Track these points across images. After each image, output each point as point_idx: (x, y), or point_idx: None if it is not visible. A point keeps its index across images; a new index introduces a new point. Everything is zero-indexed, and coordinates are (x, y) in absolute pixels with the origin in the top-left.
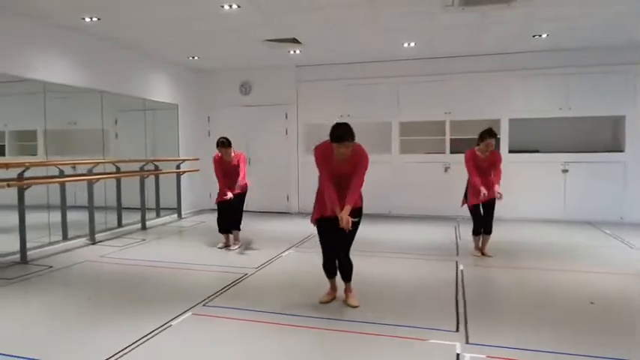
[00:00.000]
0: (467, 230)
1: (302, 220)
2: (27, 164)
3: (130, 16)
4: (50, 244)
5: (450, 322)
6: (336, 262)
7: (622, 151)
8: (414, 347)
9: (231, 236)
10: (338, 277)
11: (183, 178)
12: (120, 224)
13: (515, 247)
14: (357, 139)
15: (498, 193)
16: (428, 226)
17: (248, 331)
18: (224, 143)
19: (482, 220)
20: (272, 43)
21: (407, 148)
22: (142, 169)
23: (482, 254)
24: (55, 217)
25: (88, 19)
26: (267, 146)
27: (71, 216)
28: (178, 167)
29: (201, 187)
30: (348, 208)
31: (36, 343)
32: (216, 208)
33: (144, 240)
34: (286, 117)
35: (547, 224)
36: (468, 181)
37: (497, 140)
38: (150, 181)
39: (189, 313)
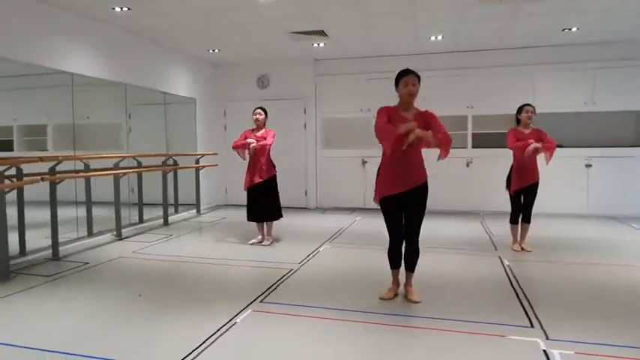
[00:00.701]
0: (494, 225)
1: (322, 215)
2: (61, 158)
3: (161, 6)
4: (77, 239)
5: (520, 318)
6: (402, 249)
7: None
8: (495, 344)
9: (264, 229)
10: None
11: (200, 173)
12: (141, 220)
13: (550, 242)
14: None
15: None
16: (455, 221)
17: (316, 327)
18: (262, 108)
19: (522, 207)
20: (298, 35)
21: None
22: (164, 163)
23: (522, 249)
24: (71, 212)
25: (118, 9)
26: (285, 141)
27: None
28: (197, 162)
29: (217, 183)
30: (434, 140)
31: (107, 343)
32: (235, 204)
33: (171, 235)
34: (305, 111)
35: (572, 219)
36: (512, 167)
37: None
38: (168, 177)
39: (249, 310)
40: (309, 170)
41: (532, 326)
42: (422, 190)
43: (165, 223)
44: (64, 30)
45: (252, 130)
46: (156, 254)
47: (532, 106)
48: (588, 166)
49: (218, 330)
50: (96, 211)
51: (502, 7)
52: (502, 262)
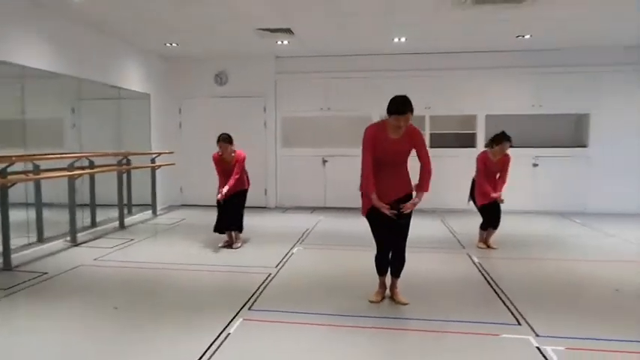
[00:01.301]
0: (455, 223)
1: (283, 214)
2: (14, 158)
3: None
4: (28, 246)
5: (505, 316)
6: (389, 257)
7: (586, 146)
8: (491, 343)
9: (232, 233)
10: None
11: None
12: (94, 223)
13: (508, 239)
14: (337, 134)
15: (501, 199)
16: (416, 220)
17: (312, 334)
18: (225, 139)
19: (493, 217)
20: (264, 32)
21: None
22: (120, 163)
23: (488, 246)
24: (19, 215)
25: None
26: (244, 139)
27: (33, 215)
28: (153, 161)
29: (172, 182)
30: (422, 195)
31: None
32: (190, 204)
33: (132, 240)
34: (265, 109)
35: (521, 216)
36: (474, 180)
37: (503, 141)
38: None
39: (239, 320)
40: (269, 169)
41: (519, 324)
42: (406, 200)
43: (122, 226)
44: (7, 18)
45: (222, 154)
46: (121, 261)
47: (509, 143)
48: (535, 165)
49: (213, 343)
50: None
51: (468, 13)
52: (472, 259)
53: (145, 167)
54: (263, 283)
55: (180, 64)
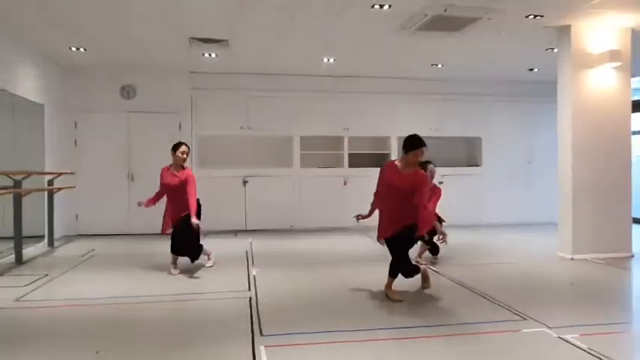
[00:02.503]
0: None
1: (205, 239)
2: None
3: None
4: None
5: (505, 314)
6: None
7: (479, 165)
8: (517, 339)
9: (179, 261)
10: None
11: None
12: None
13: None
14: (257, 154)
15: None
16: (346, 237)
17: (344, 352)
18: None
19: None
20: (197, 42)
21: (307, 162)
22: (17, 184)
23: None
24: None
25: None
26: (155, 159)
27: None
28: (51, 183)
29: (64, 209)
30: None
31: None
32: (89, 234)
33: (47, 275)
34: (180, 127)
35: None
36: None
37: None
38: (6, 202)
39: (260, 347)
40: None
41: (524, 319)
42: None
43: (19, 260)
44: None
45: (170, 167)
46: (55, 299)
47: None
48: (440, 183)
49: None
50: None
51: (407, 38)
52: (431, 268)
53: (42, 190)
54: (251, 307)
55: (82, 72)
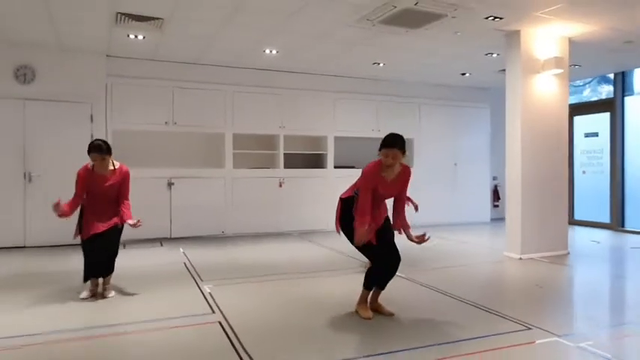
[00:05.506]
0: (326, 243)
1: (125, 251)
2: None
3: None
4: None
5: (506, 324)
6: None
7: (411, 167)
8: (537, 351)
9: (100, 281)
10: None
11: None
12: None
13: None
14: (184, 152)
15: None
16: (282, 243)
17: None
18: (101, 148)
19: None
20: (125, 17)
21: (240, 162)
22: None
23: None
24: None
25: None
26: (59, 157)
27: None
28: None
29: None
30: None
31: None
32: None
33: None
34: (91, 119)
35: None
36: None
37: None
38: None
39: None
40: None
41: (529, 328)
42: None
43: None
44: None
45: (94, 167)
46: None
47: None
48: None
49: None
50: None
51: (364, 32)
52: (399, 275)
53: None
54: (229, 336)
55: None
